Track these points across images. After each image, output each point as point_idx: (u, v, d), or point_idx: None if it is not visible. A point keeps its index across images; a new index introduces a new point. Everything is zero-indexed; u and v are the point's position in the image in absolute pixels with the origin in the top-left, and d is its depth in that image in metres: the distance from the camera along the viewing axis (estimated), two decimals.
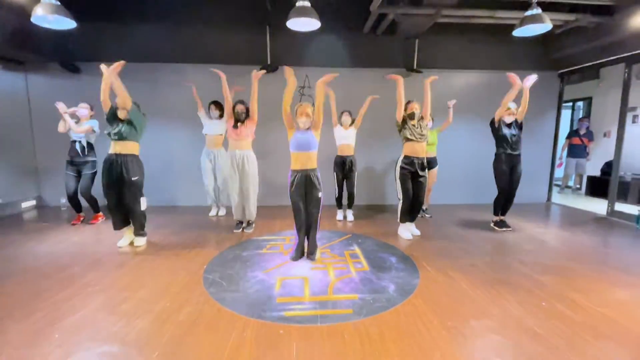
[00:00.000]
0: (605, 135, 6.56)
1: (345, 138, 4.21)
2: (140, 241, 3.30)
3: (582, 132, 6.31)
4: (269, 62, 4.82)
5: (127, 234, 3.31)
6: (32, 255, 2.99)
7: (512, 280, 2.54)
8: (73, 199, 4.03)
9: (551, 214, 4.93)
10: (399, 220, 3.61)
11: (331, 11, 4.55)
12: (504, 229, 3.89)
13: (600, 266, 2.87)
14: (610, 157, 6.26)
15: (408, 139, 3.45)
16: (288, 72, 2.78)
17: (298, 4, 3.44)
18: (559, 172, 6.43)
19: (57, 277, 2.53)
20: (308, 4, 3.43)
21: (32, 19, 3.10)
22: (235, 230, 3.76)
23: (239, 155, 3.61)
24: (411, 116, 3.46)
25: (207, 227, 3.99)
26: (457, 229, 3.93)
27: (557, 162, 5.95)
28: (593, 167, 6.45)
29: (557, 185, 6.90)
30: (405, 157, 3.45)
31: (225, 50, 4.84)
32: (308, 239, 2.96)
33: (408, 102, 3.53)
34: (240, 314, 2.00)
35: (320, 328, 1.87)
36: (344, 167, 4.22)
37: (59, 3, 3.10)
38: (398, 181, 3.51)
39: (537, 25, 3.76)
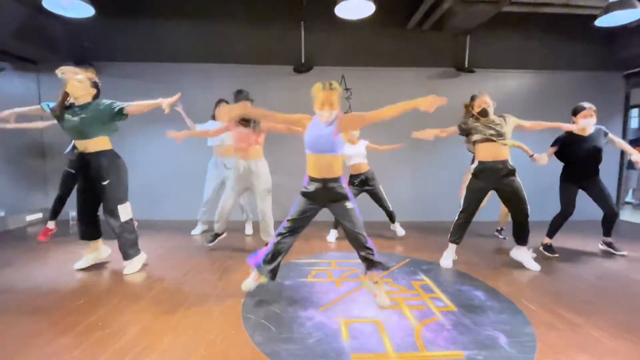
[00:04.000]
0: None
1: (356, 156, 3.56)
2: (130, 267, 2.59)
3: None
4: (302, 62, 4.34)
5: (89, 252, 2.70)
6: (31, 282, 2.44)
7: None
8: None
9: (629, 234, 4.21)
10: (449, 242, 2.90)
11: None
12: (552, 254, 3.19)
13: None
14: None
15: (483, 140, 2.77)
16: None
17: None
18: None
19: (56, 316, 1.96)
20: None
21: (44, 3, 2.67)
22: (208, 244, 3.20)
23: (245, 165, 3.01)
24: (483, 113, 2.78)
25: (233, 247, 3.40)
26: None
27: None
28: None
29: (628, 203, 6.21)
30: (480, 162, 2.80)
31: (254, 50, 4.39)
32: (362, 258, 2.14)
33: (473, 98, 2.88)
34: None
35: None
36: (359, 186, 3.56)
37: None
38: (465, 187, 2.86)
39: (625, 12, 3.22)
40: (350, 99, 4.53)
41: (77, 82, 2.37)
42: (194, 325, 1.85)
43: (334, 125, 2.04)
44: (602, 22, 3.33)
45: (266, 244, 3.07)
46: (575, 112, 3.16)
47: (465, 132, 2.87)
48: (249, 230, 3.96)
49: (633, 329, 1.84)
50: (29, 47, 3.97)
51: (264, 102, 4.54)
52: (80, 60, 4.24)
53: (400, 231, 3.72)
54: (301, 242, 3.52)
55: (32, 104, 4.33)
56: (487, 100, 2.78)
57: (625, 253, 3.18)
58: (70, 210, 4.34)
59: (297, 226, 2.16)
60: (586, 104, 3.10)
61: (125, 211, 2.56)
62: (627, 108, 4.93)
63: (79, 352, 1.60)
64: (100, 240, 2.77)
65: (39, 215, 4.48)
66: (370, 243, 2.13)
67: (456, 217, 2.88)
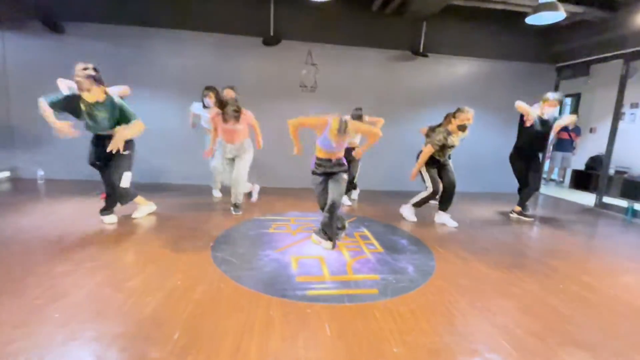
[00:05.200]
0: (591, 130, 6.81)
1: (351, 142, 3.91)
2: (110, 218, 2.97)
3: (571, 126, 6.50)
4: (271, 34, 4.57)
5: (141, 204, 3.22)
6: (17, 229, 2.71)
7: (526, 264, 2.57)
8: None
9: (543, 204, 5.07)
10: (411, 204, 3.56)
11: None
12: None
13: (601, 252, 2.98)
14: (595, 152, 6.55)
15: (437, 152, 3.37)
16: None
17: None
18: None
19: (51, 252, 2.31)
20: None
21: None
22: (235, 213, 3.46)
23: (231, 148, 3.40)
24: (462, 128, 3.25)
25: (205, 207, 3.79)
26: (457, 216, 3.96)
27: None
28: (576, 161, 6.70)
29: (553, 180, 7.19)
30: (431, 157, 3.40)
31: (224, 19, 4.54)
32: (325, 224, 2.65)
33: (458, 111, 3.25)
34: (260, 292, 1.90)
35: (349, 307, 1.79)
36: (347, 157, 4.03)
37: None
38: (426, 173, 3.43)
39: (550, 14, 3.74)
40: (317, 75, 4.86)
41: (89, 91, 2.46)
42: (172, 258, 2.29)
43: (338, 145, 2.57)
44: (531, 20, 3.86)
45: (235, 204, 3.49)
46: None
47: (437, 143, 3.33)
48: (217, 193, 4.29)
49: (509, 266, 2.50)
50: None
51: (232, 71, 4.78)
52: (48, 20, 4.18)
53: (346, 201, 4.21)
54: (265, 204, 3.97)
55: None
56: (470, 117, 3.22)
57: (531, 219, 3.92)
58: (38, 170, 4.48)
59: (322, 197, 2.70)
60: (551, 95, 3.66)
61: (127, 179, 2.92)
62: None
63: (77, 275, 1.99)
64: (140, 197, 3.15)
65: (7, 173, 4.54)
66: (336, 222, 2.66)
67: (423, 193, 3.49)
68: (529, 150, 3.86)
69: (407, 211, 3.61)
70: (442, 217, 3.54)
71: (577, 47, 5.07)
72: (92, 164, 2.92)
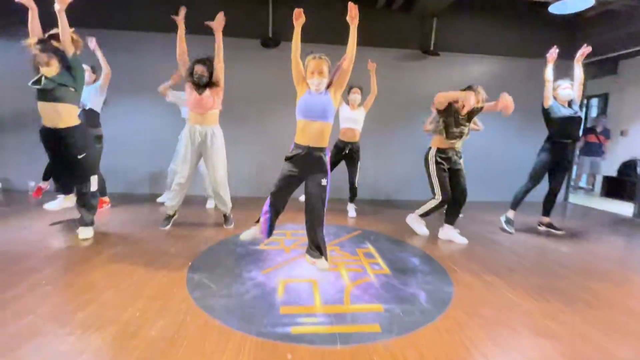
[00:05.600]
0: (622, 133, 6.24)
1: (352, 121, 3.61)
2: (86, 232, 2.64)
3: (600, 129, 5.95)
4: (270, 36, 4.31)
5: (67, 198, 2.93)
6: None
7: (562, 288, 2.12)
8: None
9: (574, 215, 4.55)
10: (419, 214, 3.09)
11: None
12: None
13: None
14: (627, 156, 5.96)
15: (448, 133, 2.85)
16: (297, 13, 2.23)
17: None
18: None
19: (8, 271, 2.01)
20: None
21: None
22: (162, 227, 2.99)
23: (200, 131, 2.88)
24: (472, 113, 2.81)
25: (195, 218, 3.47)
26: (476, 228, 3.51)
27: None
28: (606, 167, 6.11)
29: (581, 188, 6.63)
30: (439, 149, 2.90)
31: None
32: (310, 239, 2.22)
33: (469, 87, 2.76)
34: (233, 328, 1.53)
35: (342, 352, 1.40)
36: (343, 154, 3.64)
37: None
38: (435, 178, 2.93)
39: (577, 1, 3.36)
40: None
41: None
42: (138, 283, 1.95)
43: (328, 94, 2.13)
44: (554, 8, 3.47)
45: (224, 215, 3.16)
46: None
47: (443, 117, 2.87)
48: (210, 204, 3.98)
49: (541, 291, 2.06)
50: None
51: (230, 75, 4.47)
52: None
53: (352, 212, 3.82)
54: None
55: None
56: (481, 96, 2.75)
57: (562, 232, 3.42)
58: (29, 181, 4.29)
59: (277, 198, 2.22)
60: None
61: (94, 182, 2.65)
62: (583, 97, 5.18)
63: (24, 301, 1.67)
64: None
65: None
66: (322, 232, 2.18)
67: (431, 202, 2.99)
68: (561, 137, 3.32)
69: (415, 223, 3.16)
70: (448, 233, 3.05)
71: (603, 41, 4.60)
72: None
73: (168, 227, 3.04)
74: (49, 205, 2.94)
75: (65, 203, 2.98)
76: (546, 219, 3.52)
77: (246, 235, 2.38)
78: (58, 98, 2.38)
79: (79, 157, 2.50)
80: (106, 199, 3.71)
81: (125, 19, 4.21)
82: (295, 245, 2.70)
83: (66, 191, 2.96)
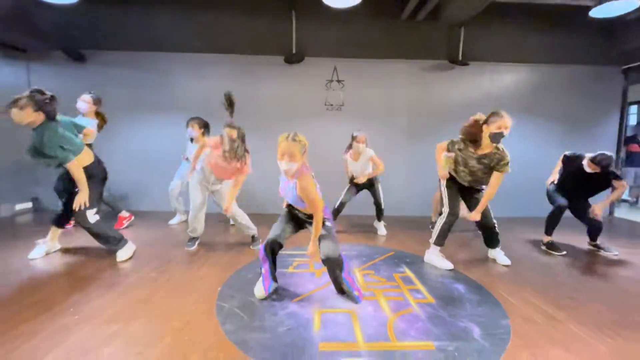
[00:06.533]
0: None
1: (357, 172, 3.44)
2: (120, 255, 2.62)
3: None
4: (293, 52, 4.28)
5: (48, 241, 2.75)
6: (12, 268, 2.43)
7: (637, 321, 1.84)
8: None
9: (625, 232, 4.15)
10: (433, 244, 2.73)
11: None
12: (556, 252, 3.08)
13: None
14: None
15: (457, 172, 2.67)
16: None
17: None
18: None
19: (32, 299, 1.95)
20: None
21: None
22: (188, 249, 2.92)
23: (213, 180, 2.86)
24: (496, 138, 2.35)
25: (219, 239, 3.38)
26: (521, 248, 3.23)
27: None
28: None
29: (625, 201, 6.17)
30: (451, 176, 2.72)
31: (245, 39, 4.32)
32: (337, 288, 2.08)
33: (492, 115, 2.38)
34: None
35: None
36: (358, 188, 3.53)
37: None
38: (445, 191, 2.71)
39: (620, 3, 3.14)
40: (343, 92, 4.46)
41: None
42: (166, 313, 1.83)
43: (295, 184, 1.89)
44: (596, 12, 3.25)
45: (252, 236, 3.05)
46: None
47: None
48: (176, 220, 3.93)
49: (615, 326, 1.80)
50: (17, 35, 3.93)
51: (254, 93, 4.51)
52: (70, 48, 4.19)
53: (382, 230, 3.63)
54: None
55: (22, 91, 4.33)
56: (509, 124, 2.33)
57: (616, 253, 3.09)
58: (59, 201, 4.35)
59: (276, 236, 2.02)
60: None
61: (91, 215, 2.51)
62: (625, 104, 4.84)
63: (46, 335, 1.58)
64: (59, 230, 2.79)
65: (29, 204, 4.47)
66: (347, 272, 2.05)
67: (439, 222, 2.73)
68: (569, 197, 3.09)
69: (435, 257, 2.71)
70: (493, 253, 2.85)
71: None
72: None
73: (194, 247, 2.95)
74: (33, 254, 2.67)
75: (47, 247, 2.76)
76: (593, 242, 3.21)
77: (258, 291, 2.07)
78: None
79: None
80: (124, 214, 3.68)
81: (151, 40, 4.29)
82: (326, 269, 2.53)
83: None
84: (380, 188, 3.55)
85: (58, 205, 4.29)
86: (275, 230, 2.04)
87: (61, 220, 2.74)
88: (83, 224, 2.49)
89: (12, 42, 4.10)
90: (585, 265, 2.81)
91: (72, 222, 3.54)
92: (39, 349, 1.49)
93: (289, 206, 2.15)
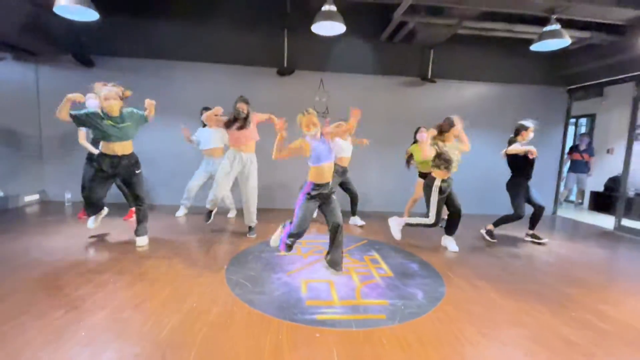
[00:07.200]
0: (608, 151, 6.69)
1: (347, 149, 4.01)
2: (140, 241, 3.13)
3: (582, 147, 6.38)
4: (285, 65, 4.82)
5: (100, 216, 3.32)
6: (43, 250, 2.89)
7: (540, 291, 2.53)
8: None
9: (560, 227, 4.96)
10: (407, 222, 3.39)
11: (350, 17, 4.58)
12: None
13: (619, 279, 2.90)
14: (613, 173, 6.40)
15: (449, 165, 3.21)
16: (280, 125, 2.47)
17: (324, 8, 3.48)
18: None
19: (74, 273, 2.45)
20: (334, 8, 3.46)
21: (55, 9, 3.06)
22: (206, 222, 3.60)
23: (243, 157, 3.41)
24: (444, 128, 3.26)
25: (221, 228, 3.91)
26: (471, 239, 3.93)
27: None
28: (595, 182, 6.54)
29: (571, 201, 7.06)
30: (444, 180, 3.24)
31: (241, 52, 4.82)
32: (332, 246, 2.61)
33: (447, 119, 3.33)
34: (271, 316, 1.96)
35: (357, 333, 1.83)
36: (339, 172, 3.95)
37: None
38: (434, 206, 3.25)
39: (555, 41, 3.84)
40: (328, 101, 5.04)
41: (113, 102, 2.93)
42: (188, 281, 2.38)
43: (324, 139, 2.48)
44: (536, 47, 3.95)
45: (249, 226, 3.60)
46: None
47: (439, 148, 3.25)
48: (231, 213, 4.48)
49: (522, 293, 2.47)
50: (29, 39, 4.26)
51: (250, 101, 5.00)
52: (78, 54, 4.57)
53: (359, 222, 4.25)
54: (277, 224, 4.05)
55: (31, 92, 4.67)
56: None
57: (545, 241, 3.85)
58: (66, 193, 4.74)
59: (304, 228, 2.51)
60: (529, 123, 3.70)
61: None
62: (568, 119, 5.67)
63: (94, 300, 2.10)
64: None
65: (36, 196, 4.83)
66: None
67: (423, 220, 3.34)
68: (527, 177, 3.80)
69: (396, 226, 3.45)
70: (446, 240, 3.54)
71: (588, 70, 5.09)
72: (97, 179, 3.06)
73: (210, 220, 3.59)
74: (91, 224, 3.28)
75: (100, 217, 3.33)
76: (530, 231, 3.96)
77: (274, 241, 2.78)
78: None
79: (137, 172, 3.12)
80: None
81: (156, 49, 4.72)
82: (311, 252, 3.13)
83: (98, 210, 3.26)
84: (351, 181, 4.20)
85: (66, 197, 4.71)
86: (303, 225, 2.49)
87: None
88: (142, 195, 3.16)
89: (24, 46, 4.44)
90: (516, 252, 3.53)
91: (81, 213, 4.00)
92: (97, 305, 2.01)
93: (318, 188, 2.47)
